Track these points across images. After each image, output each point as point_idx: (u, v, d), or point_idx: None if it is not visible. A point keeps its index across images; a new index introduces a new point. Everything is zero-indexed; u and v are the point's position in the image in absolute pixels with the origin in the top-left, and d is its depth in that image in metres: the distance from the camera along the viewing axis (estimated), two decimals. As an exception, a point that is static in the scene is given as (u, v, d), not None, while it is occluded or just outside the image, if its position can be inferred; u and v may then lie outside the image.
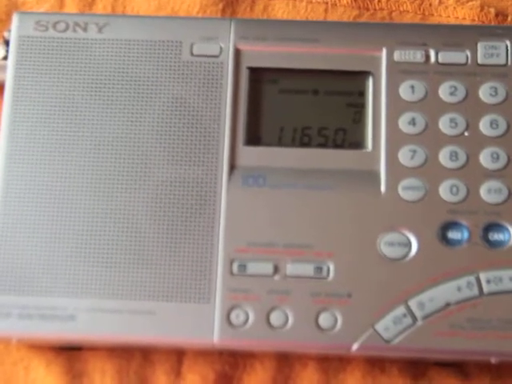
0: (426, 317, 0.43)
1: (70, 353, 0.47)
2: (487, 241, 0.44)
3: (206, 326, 0.44)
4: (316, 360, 0.47)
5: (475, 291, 0.43)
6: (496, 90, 0.46)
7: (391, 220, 0.44)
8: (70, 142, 0.46)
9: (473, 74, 0.46)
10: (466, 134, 0.45)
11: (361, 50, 0.47)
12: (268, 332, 0.43)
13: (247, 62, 0.47)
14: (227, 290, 0.44)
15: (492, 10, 0.53)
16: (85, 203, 0.45)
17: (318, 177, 0.45)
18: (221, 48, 0.47)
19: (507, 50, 0.46)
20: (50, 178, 0.45)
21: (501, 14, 0.53)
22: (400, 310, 0.43)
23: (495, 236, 0.44)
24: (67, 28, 0.47)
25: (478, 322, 0.43)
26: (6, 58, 0.48)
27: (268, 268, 0.44)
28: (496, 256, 0.44)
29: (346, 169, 0.45)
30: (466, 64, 0.46)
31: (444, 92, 0.46)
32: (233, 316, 0.44)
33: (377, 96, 0.46)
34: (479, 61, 0.46)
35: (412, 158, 0.45)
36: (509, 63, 0.46)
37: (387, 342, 0.43)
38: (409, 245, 0.44)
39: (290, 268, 0.44)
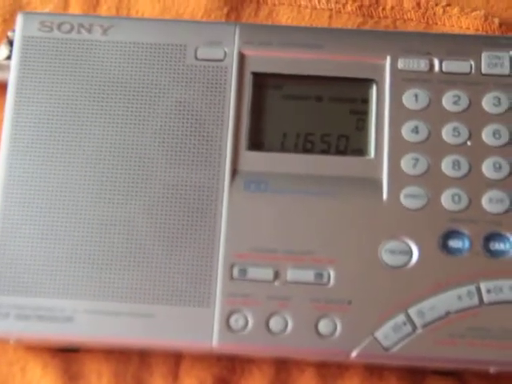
0: (425, 325, 0.43)
1: (66, 354, 0.47)
2: (488, 250, 0.44)
3: (205, 330, 0.43)
4: (314, 366, 0.47)
5: (475, 300, 0.43)
6: (499, 99, 0.46)
7: (392, 228, 0.44)
8: (71, 143, 0.46)
9: (476, 83, 0.46)
10: (469, 143, 0.45)
11: (365, 58, 0.47)
12: (267, 337, 0.43)
13: (251, 67, 0.47)
14: (227, 295, 0.44)
15: (496, 20, 0.53)
16: (85, 205, 0.45)
17: (319, 183, 0.45)
18: (225, 52, 0.47)
19: (511, 60, 0.46)
20: (51, 180, 0.45)
21: (505, 24, 0.53)
22: (400, 317, 0.43)
23: (496, 246, 0.44)
24: (72, 29, 0.47)
25: (477, 331, 0.43)
26: (9, 57, 0.48)
27: (268, 273, 0.44)
28: (497, 266, 0.44)
29: (348, 176, 0.45)
30: (469, 73, 0.46)
31: (447, 101, 0.46)
32: (232, 321, 0.44)
33: (380, 104, 0.46)
34: (483, 70, 0.46)
35: (414, 166, 0.45)
36: (513, 73, 0.47)
37: (386, 349, 0.43)
38: (410, 253, 0.44)
39: (291, 274, 0.44)
